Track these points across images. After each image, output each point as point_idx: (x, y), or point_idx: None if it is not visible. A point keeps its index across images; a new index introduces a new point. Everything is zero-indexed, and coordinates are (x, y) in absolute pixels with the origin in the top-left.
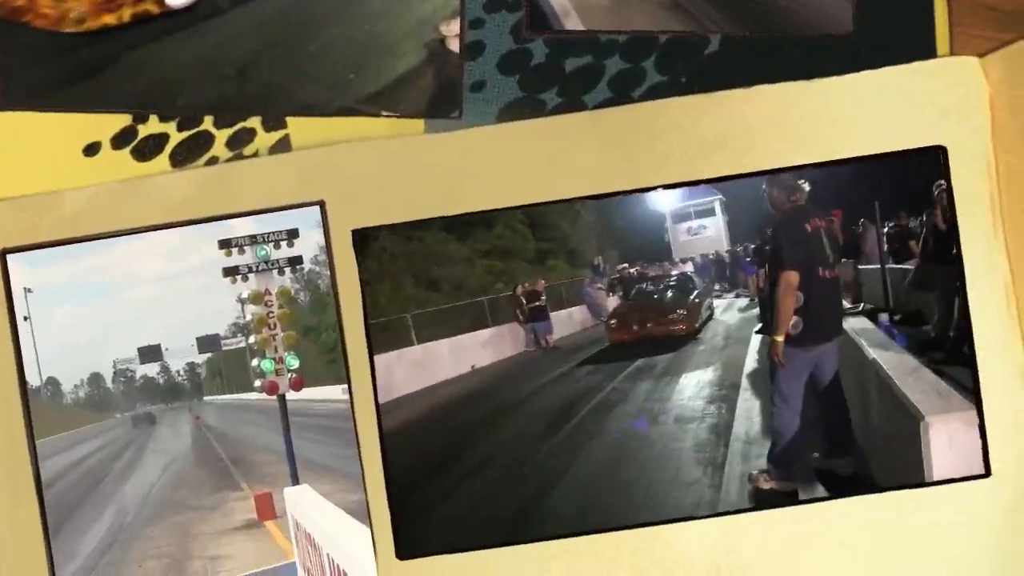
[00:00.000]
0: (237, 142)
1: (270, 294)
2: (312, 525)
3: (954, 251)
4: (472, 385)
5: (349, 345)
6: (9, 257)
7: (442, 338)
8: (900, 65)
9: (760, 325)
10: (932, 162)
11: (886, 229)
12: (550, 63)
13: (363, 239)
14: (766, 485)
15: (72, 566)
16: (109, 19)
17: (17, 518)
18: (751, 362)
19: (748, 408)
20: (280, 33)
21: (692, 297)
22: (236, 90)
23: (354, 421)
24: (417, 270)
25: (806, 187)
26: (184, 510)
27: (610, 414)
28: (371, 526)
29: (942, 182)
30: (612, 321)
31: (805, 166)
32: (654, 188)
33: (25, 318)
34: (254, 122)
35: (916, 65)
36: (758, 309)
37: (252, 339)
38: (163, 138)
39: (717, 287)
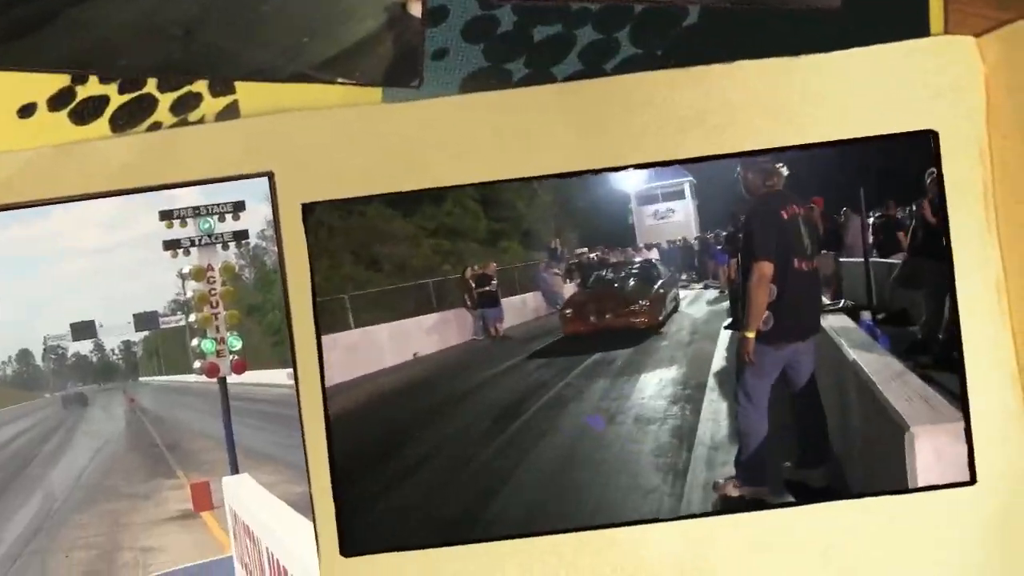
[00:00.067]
0: (182, 107)
1: (213, 270)
2: (251, 517)
3: (944, 244)
4: (414, 375)
5: (296, 327)
6: None
7: (382, 322)
8: (891, 43)
9: (730, 320)
10: (923, 147)
11: (871, 219)
12: (518, 31)
13: (311, 213)
14: (734, 492)
15: None
16: None
17: None
18: (719, 360)
19: (715, 410)
20: None
21: (656, 287)
22: (182, 52)
23: (299, 408)
24: (357, 247)
25: (784, 171)
26: (115, 498)
27: (563, 411)
28: (314, 520)
29: (933, 170)
30: (567, 310)
31: (787, 148)
32: (625, 168)
33: None
34: (200, 86)
35: (908, 44)
36: (728, 302)
37: (192, 317)
38: (103, 101)
39: (684, 277)
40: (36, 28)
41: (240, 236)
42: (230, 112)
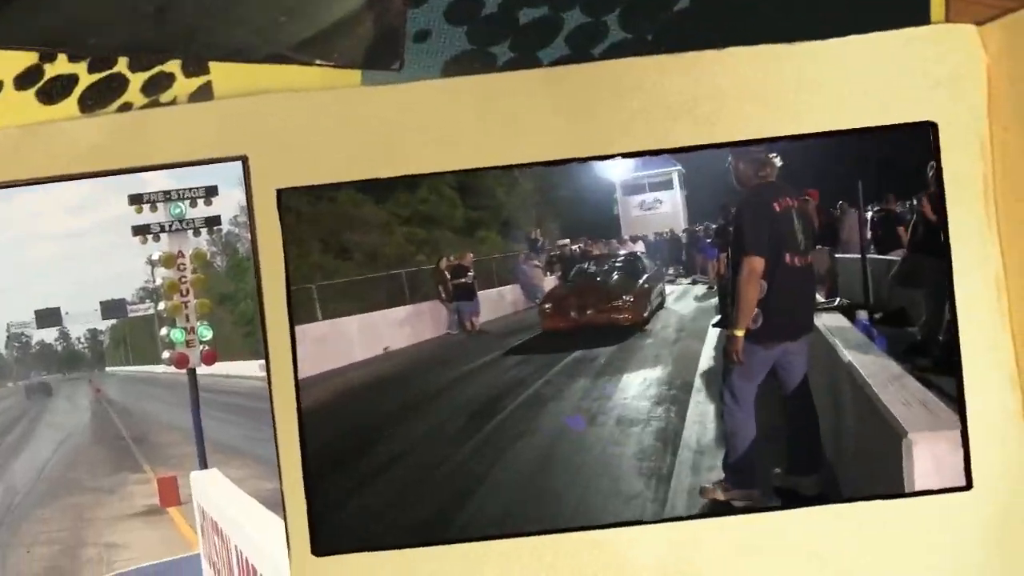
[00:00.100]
0: (153, 87)
1: (183, 257)
2: (220, 514)
3: (943, 240)
4: (385, 370)
5: (269, 317)
6: None
7: (352, 314)
8: (889, 31)
9: (719, 317)
10: (924, 139)
11: (869, 213)
12: (503, 13)
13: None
14: (722, 496)
15: None
16: None
17: None
18: (707, 359)
19: (701, 412)
20: None
21: (641, 282)
22: (154, 30)
23: (271, 401)
24: (326, 235)
25: (777, 161)
26: (79, 491)
27: (541, 411)
28: (285, 518)
29: (935, 162)
30: (547, 305)
31: (780, 138)
32: (612, 156)
33: None
34: (173, 66)
35: (907, 31)
36: (717, 299)
37: (162, 306)
38: (72, 80)
39: (671, 271)
40: (3, 3)
41: (212, 222)
42: (203, 93)
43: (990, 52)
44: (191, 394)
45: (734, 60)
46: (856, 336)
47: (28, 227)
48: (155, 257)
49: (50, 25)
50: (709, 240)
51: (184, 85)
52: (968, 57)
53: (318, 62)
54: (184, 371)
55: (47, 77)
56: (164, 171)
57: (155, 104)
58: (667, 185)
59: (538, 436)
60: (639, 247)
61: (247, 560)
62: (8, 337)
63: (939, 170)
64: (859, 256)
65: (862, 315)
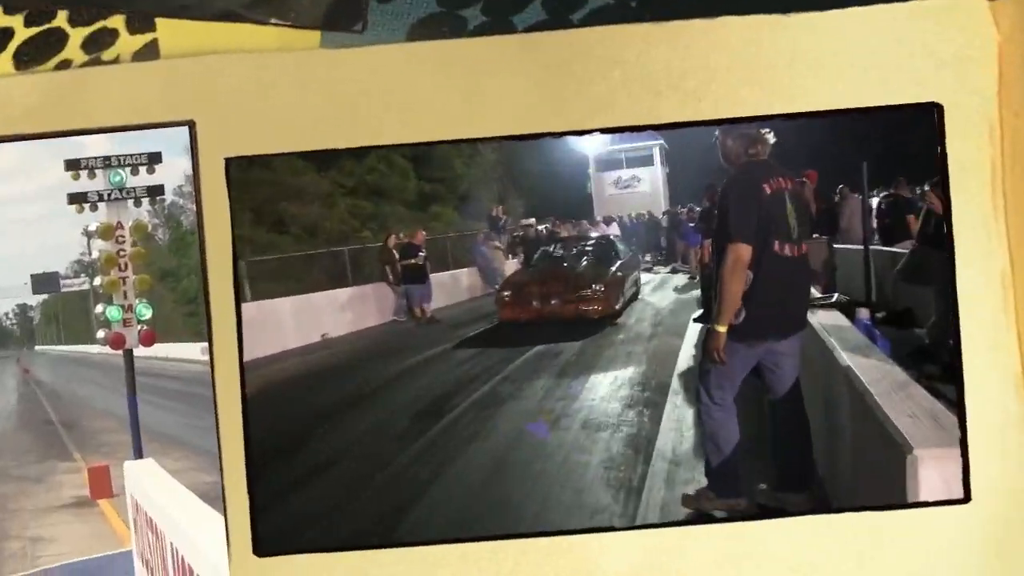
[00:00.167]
0: (95, 44)
1: (123, 228)
2: (155, 508)
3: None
4: (321, 361)
5: (213, 296)
6: None
7: (286, 295)
8: (893, 3)
9: (701, 311)
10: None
11: (876, 199)
12: None
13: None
14: (707, 506)
15: None
16: None
17: None
18: (686, 358)
19: (678, 418)
20: None
21: (614, 269)
22: None
23: (213, 387)
24: (259, 205)
25: (770, 138)
26: (2, 480)
27: (497, 412)
28: (226, 514)
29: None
30: (506, 293)
31: (772, 116)
32: (590, 132)
33: None
34: (117, 21)
35: (911, 4)
36: (700, 291)
37: (98, 281)
38: (6, 33)
39: (648, 258)
40: None
41: (155, 192)
42: (149, 52)
43: (1002, 30)
44: (127, 377)
45: (725, 31)
46: (856, 337)
47: None
48: (92, 228)
49: None
50: (692, 224)
51: (128, 43)
52: (978, 35)
53: (274, 21)
54: (120, 352)
55: None
56: (104, 135)
57: (96, 62)
58: (647, 161)
59: (493, 440)
60: (613, 230)
61: (183, 559)
62: None
63: (943, 155)
64: (861, 247)
65: (863, 314)
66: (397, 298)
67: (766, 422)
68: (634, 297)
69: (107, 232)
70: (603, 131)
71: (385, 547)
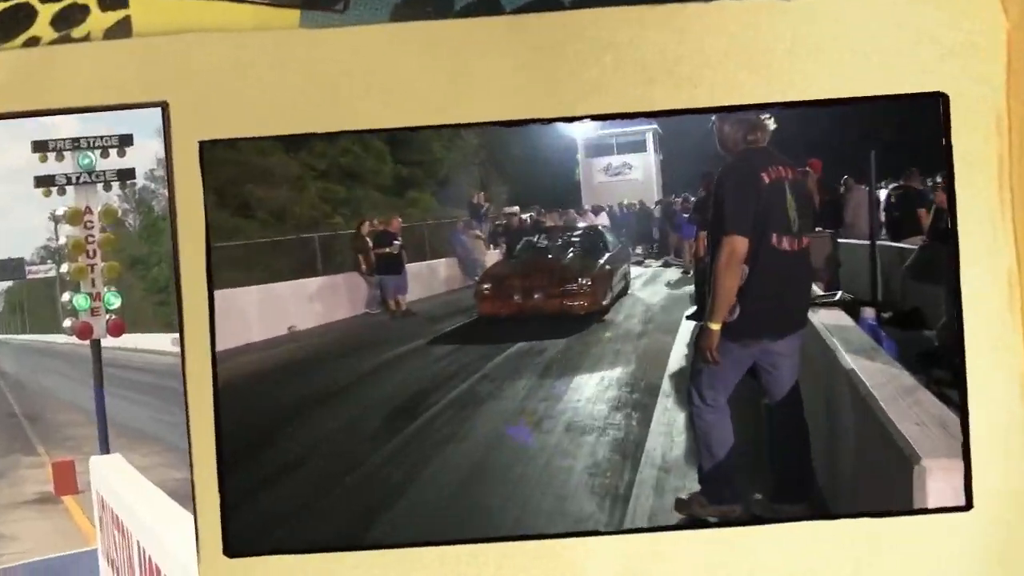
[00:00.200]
0: (65, 21)
1: (91, 213)
2: (122, 506)
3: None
4: (288, 355)
5: (185, 285)
6: None
7: (250, 284)
8: None
9: (694, 308)
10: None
11: (885, 191)
12: None
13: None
14: (700, 512)
15: None
16: None
17: None
18: (678, 358)
19: (669, 421)
20: None
21: (602, 262)
22: None
23: (184, 381)
24: (222, 186)
25: (771, 125)
26: None
27: (475, 412)
28: (195, 512)
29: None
30: (486, 285)
31: (770, 104)
32: (580, 118)
33: None
34: None
35: None
36: (693, 286)
37: (65, 268)
38: None
39: (639, 250)
40: None
41: (125, 175)
42: (121, 30)
43: (1011, 16)
44: (94, 369)
45: (722, 14)
46: (860, 338)
47: None
48: (59, 212)
49: None
50: (687, 215)
51: (99, 19)
52: (985, 23)
53: None
54: (87, 343)
55: None
56: (73, 116)
57: (66, 40)
58: (640, 146)
59: (470, 441)
60: (602, 220)
61: (150, 559)
62: None
63: (948, 147)
64: (867, 242)
65: (868, 313)
66: (370, 289)
67: (763, 427)
68: (623, 292)
69: (75, 217)
70: (594, 118)
71: (359, 549)
